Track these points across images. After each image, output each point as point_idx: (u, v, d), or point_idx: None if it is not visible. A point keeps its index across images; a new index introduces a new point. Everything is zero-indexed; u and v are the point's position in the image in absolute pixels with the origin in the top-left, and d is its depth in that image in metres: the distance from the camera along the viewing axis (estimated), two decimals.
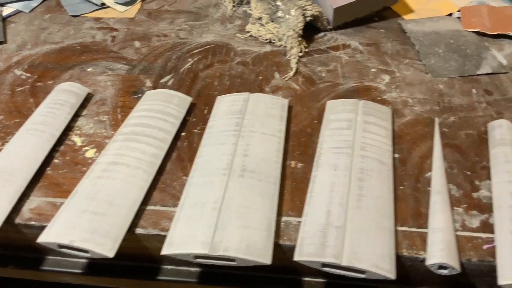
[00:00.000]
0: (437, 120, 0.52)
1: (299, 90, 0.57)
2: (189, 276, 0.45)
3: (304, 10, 0.63)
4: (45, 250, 0.47)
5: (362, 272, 0.38)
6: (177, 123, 0.51)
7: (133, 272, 0.46)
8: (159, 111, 0.51)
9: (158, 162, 0.47)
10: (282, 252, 0.41)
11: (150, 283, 0.46)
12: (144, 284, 0.47)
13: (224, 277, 0.45)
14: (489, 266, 0.40)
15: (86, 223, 0.40)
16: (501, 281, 0.37)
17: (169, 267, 0.46)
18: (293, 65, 0.61)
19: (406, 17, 0.70)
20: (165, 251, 0.39)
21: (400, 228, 0.42)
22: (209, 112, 0.53)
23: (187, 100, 0.54)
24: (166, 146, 0.48)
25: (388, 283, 0.39)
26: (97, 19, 0.71)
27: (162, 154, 0.47)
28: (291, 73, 0.59)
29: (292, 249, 0.40)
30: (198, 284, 0.45)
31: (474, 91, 0.56)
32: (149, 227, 0.42)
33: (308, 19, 0.64)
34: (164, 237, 0.41)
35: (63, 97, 0.53)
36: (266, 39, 0.65)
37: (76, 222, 0.40)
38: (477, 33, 0.66)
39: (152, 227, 0.42)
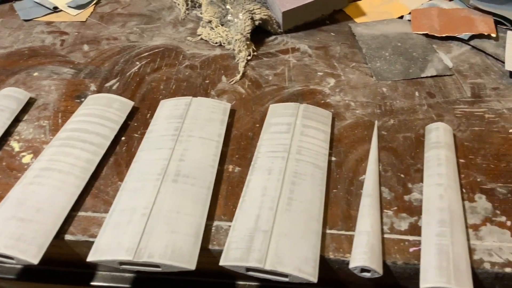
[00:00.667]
0: (376, 123, 0.53)
1: (245, 93, 0.58)
2: (122, 281, 0.45)
3: (252, 13, 0.63)
4: None
5: (286, 275, 0.38)
6: (116, 127, 0.51)
7: (67, 277, 0.46)
8: (98, 115, 0.51)
9: (92, 168, 0.46)
10: (212, 256, 0.42)
11: None
12: None
13: (158, 282, 0.45)
14: (414, 269, 0.40)
15: (12, 229, 0.40)
16: (422, 284, 0.37)
17: (103, 272, 0.45)
18: (241, 68, 0.61)
19: (358, 20, 0.71)
20: (91, 257, 0.39)
21: (329, 231, 0.42)
22: (152, 116, 0.53)
23: (128, 104, 0.54)
24: (102, 151, 0.48)
25: (313, 286, 0.39)
26: (48, 23, 0.70)
27: (97, 159, 0.47)
28: (238, 77, 0.60)
29: (221, 253, 0.40)
30: None
31: (417, 93, 0.57)
32: (79, 234, 0.42)
33: (257, 22, 0.64)
34: (92, 243, 0.40)
35: (3, 102, 0.53)
36: (216, 43, 0.65)
37: (3, 229, 0.40)
38: (426, 35, 0.67)
39: (81, 233, 0.42)
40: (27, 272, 0.46)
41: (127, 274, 0.45)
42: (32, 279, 0.46)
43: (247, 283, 0.45)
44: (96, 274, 0.46)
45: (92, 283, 0.45)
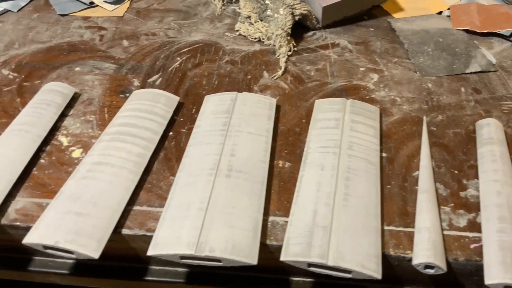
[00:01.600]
0: (425, 118, 0.52)
1: (288, 89, 0.57)
2: (176, 276, 0.45)
3: (292, 8, 0.63)
4: (31, 251, 0.46)
5: (348, 271, 0.38)
6: (164, 122, 0.51)
7: (120, 272, 0.46)
8: (146, 110, 0.51)
9: (144, 162, 0.46)
10: (269, 252, 0.41)
11: (137, 284, 0.46)
12: (131, 285, 0.46)
13: (212, 277, 0.45)
14: (476, 266, 0.40)
15: (70, 224, 0.40)
16: (487, 280, 0.37)
17: (156, 267, 0.45)
18: (282, 64, 0.60)
19: (396, 15, 0.70)
20: (151, 251, 0.39)
21: (387, 228, 0.42)
22: (197, 111, 0.53)
23: (174, 99, 0.53)
24: (152, 146, 0.48)
25: (375, 283, 0.39)
26: (85, 18, 0.70)
27: (148, 154, 0.47)
28: (280, 72, 0.59)
29: (279, 249, 0.40)
30: (185, 284, 0.45)
31: (462, 89, 0.56)
32: (135, 228, 0.42)
33: (297, 18, 0.64)
34: (150, 237, 0.40)
35: (49, 97, 0.53)
36: (255, 38, 0.65)
37: (61, 223, 0.40)
38: (467, 31, 0.66)
39: (138, 227, 0.42)
40: (79, 267, 0.46)
41: (180, 269, 0.45)
42: (84, 274, 0.46)
43: (301, 279, 0.45)
44: (149, 269, 0.45)
45: (145, 278, 0.45)
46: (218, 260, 0.38)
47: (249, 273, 0.45)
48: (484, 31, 0.65)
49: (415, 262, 0.38)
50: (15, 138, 0.48)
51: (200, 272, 0.45)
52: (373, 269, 0.37)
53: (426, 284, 0.43)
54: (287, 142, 0.50)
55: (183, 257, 0.39)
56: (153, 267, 0.45)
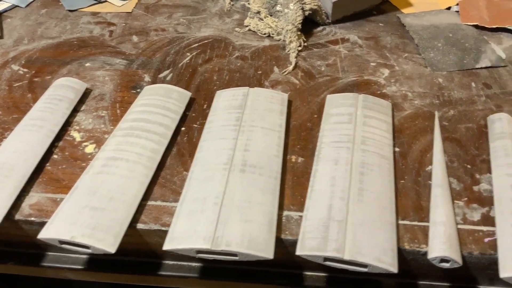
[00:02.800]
0: (437, 113, 0.52)
1: (299, 84, 0.57)
2: (190, 271, 0.45)
3: (303, 4, 0.63)
4: (45, 246, 0.46)
5: (365, 266, 0.38)
6: (177, 118, 0.51)
7: (134, 267, 0.46)
8: (158, 106, 0.51)
9: (158, 157, 0.46)
10: (284, 246, 0.41)
11: (152, 278, 0.46)
12: (145, 279, 0.47)
13: (226, 272, 0.45)
14: (490, 259, 0.40)
15: (87, 218, 0.40)
16: (502, 273, 0.37)
17: (171, 262, 0.46)
18: (292, 59, 0.60)
19: (405, 10, 0.70)
20: (167, 246, 0.39)
21: (401, 222, 0.42)
22: (209, 107, 0.53)
23: (186, 94, 0.53)
24: (166, 141, 0.48)
25: (390, 277, 0.39)
26: (94, 14, 0.70)
27: (162, 149, 0.47)
28: (291, 67, 0.59)
29: (294, 243, 0.40)
30: (199, 279, 0.45)
31: (473, 84, 0.56)
32: (150, 222, 0.42)
33: (307, 13, 0.64)
34: (165, 232, 0.40)
35: (61, 92, 0.53)
36: (264, 33, 0.65)
37: (77, 218, 0.40)
38: (476, 26, 0.66)
39: (153, 222, 0.42)
40: (94, 262, 0.46)
41: (194, 264, 0.45)
42: (97, 269, 0.46)
43: (315, 273, 0.45)
44: (163, 263, 0.46)
45: (159, 273, 0.45)
46: (234, 255, 0.38)
47: (262, 268, 0.45)
48: (493, 26, 0.65)
49: (431, 256, 0.38)
50: (28, 133, 0.48)
51: (213, 267, 0.45)
52: (390, 263, 0.37)
53: (440, 278, 0.43)
54: (300, 137, 0.50)
55: (199, 251, 0.39)
56: (167, 261, 0.46)
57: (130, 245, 0.44)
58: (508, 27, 0.65)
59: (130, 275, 0.46)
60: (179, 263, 0.45)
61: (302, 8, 0.63)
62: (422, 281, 0.44)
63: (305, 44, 0.63)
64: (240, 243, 0.38)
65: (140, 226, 0.42)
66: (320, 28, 0.67)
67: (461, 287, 0.44)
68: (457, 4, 0.70)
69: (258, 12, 0.66)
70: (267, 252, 0.38)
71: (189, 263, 0.45)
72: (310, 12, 0.64)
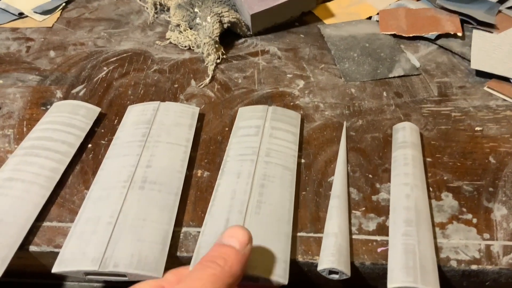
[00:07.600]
0: (345, 124, 0.53)
1: (214, 97, 0.57)
2: None
3: (220, 16, 0.63)
4: None
5: (256, 278, 0.38)
6: (83, 135, 0.50)
7: None
8: (63, 123, 0.50)
9: (57, 177, 0.45)
10: (181, 263, 0.41)
11: None
12: None
13: None
14: (383, 269, 0.40)
15: None
16: (389, 284, 0.38)
17: (71, 283, 0.45)
18: (210, 72, 0.60)
19: (327, 21, 0.71)
20: (55, 269, 0.38)
21: (299, 234, 0.42)
22: (119, 122, 0.52)
23: (95, 110, 0.53)
24: (67, 160, 0.47)
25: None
26: (14, 30, 0.69)
27: (62, 168, 0.46)
28: (207, 80, 0.59)
29: (190, 260, 0.40)
30: None
31: (384, 94, 0.57)
32: (43, 244, 0.41)
33: (225, 25, 0.64)
34: (58, 254, 0.40)
35: None
36: (185, 46, 0.65)
37: None
38: (394, 35, 0.67)
39: (46, 244, 0.41)
40: None
41: (95, 284, 0.45)
42: None
43: None
44: (64, 285, 0.45)
45: None
46: (123, 275, 0.38)
47: None
48: (411, 35, 0.67)
49: (319, 268, 0.38)
50: None
51: (114, 287, 0.44)
52: (280, 275, 0.37)
53: None
54: (208, 151, 0.50)
55: (87, 273, 0.38)
56: (68, 282, 0.45)
57: (27, 268, 0.43)
58: (425, 35, 0.66)
59: None
60: (81, 283, 0.45)
61: (220, 21, 0.63)
62: None
63: (225, 56, 0.63)
64: (128, 264, 0.38)
65: (32, 248, 0.41)
66: (242, 40, 0.67)
67: None
68: (378, 14, 0.71)
69: (178, 25, 0.66)
70: (156, 271, 0.38)
71: (90, 284, 0.45)
72: (229, 24, 0.64)
